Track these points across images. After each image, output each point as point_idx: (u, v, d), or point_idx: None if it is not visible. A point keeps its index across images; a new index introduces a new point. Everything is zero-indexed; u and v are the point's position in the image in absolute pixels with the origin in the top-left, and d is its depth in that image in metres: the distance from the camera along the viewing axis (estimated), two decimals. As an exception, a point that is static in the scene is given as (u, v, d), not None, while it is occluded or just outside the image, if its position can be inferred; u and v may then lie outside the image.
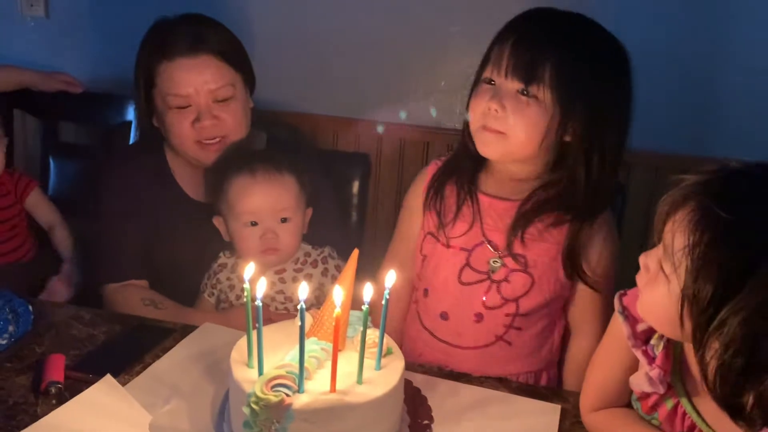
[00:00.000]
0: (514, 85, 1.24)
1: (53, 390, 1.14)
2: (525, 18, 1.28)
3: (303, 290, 0.98)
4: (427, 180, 1.42)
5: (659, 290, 0.91)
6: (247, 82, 1.65)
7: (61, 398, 1.13)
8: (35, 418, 1.08)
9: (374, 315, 1.02)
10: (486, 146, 1.30)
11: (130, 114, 2.11)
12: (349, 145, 2.08)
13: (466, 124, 1.34)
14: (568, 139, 1.26)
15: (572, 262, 1.31)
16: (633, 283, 1.23)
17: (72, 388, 1.15)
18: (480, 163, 1.37)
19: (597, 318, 1.37)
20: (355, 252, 1.10)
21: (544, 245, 1.32)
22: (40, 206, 1.94)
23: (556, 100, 1.23)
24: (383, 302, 1.02)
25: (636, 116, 1.83)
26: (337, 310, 0.96)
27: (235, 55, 1.62)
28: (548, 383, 1.41)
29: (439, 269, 1.38)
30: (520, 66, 1.23)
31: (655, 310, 0.94)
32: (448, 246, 1.37)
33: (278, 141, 1.77)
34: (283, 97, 2.07)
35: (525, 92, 1.24)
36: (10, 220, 1.87)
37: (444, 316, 1.38)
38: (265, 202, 1.53)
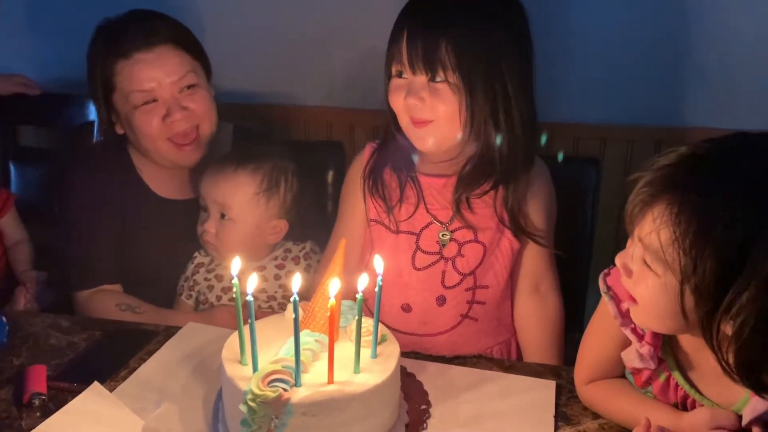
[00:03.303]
0: (422, 77, 1.25)
1: (37, 402, 1.10)
2: (414, 3, 1.27)
3: (296, 282, 0.96)
4: (363, 166, 1.41)
5: (651, 288, 0.90)
6: (205, 70, 1.61)
7: (46, 410, 1.09)
8: (21, 432, 1.05)
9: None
10: (421, 141, 1.30)
11: (92, 114, 2.03)
12: (320, 135, 2.05)
13: (393, 114, 1.33)
14: (479, 110, 1.26)
15: (514, 219, 1.32)
16: (606, 257, 1.26)
17: (56, 399, 1.11)
18: (413, 145, 1.37)
19: (551, 274, 1.40)
20: (343, 242, 1.09)
21: (488, 210, 1.33)
22: (12, 223, 1.84)
23: (462, 79, 1.23)
24: (376, 289, 1.01)
25: (608, 91, 1.88)
26: (332, 301, 0.94)
27: (190, 42, 1.58)
28: (518, 352, 1.42)
29: (391, 260, 1.33)
30: (422, 59, 1.23)
31: (654, 309, 0.91)
32: (397, 231, 1.36)
33: (244, 131, 1.74)
34: (250, 88, 2.04)
35: (434, 80, 1.24)
36: None
37: (406, 308, 1.37)
38: (209, 191, 1.52)
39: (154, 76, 1.51)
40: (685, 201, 0.84)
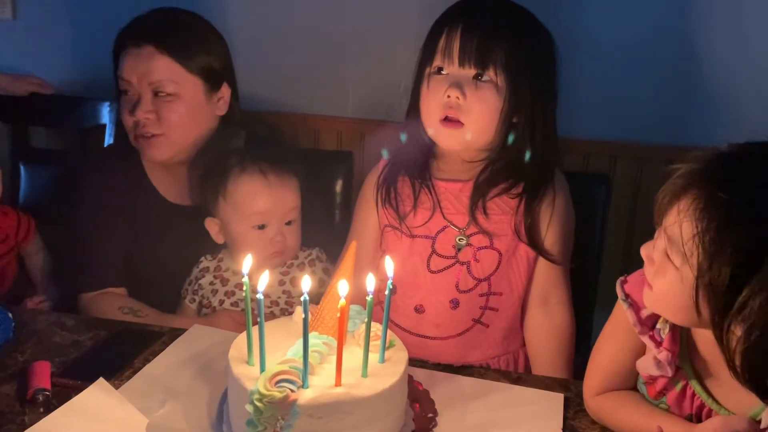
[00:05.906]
0: (469, 71, 1.28)
1: (40, 398, 1.09)
2: (465, 7, 1.32)
3: (306, 283, 0.96)
4: (377, 176, 1.43)
5: (669, 279, 0.91)
6: (209, 88, 1.58)
7: (49, 406, 1.08)
8: (23, 427, 1.04)
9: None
10: (449, 139, 1.32)
11: (104, 117, 2.05)
12: (331, 144, 2.05)
13: (412, 117, 1.35)
14: (515, 120, 1.30)
15: (528, 231, 1.33)
16: (615, 271, 1.28)
17: (60, 395, 1.11)
18: (429, 150, 1.39)
19: (562, 288, 1.39)
20: (354, 244, 1.08)
21: (506, 218, 1.34)
22: (34, 249, 1.81)
23: (508, 82, 1.27)
24: (386, 292, 1.00)
25: (619, 108, 1.88)
26: (342, 301, 0.94)
27: (190, 56, 1.55)
28: (525, 363, 1.42)
29: (406, 262, 1.36)
30: (475, 52, 1.26)
31: (669, 300, 0.92)
32: (411, 236, 1.37)
33: (257, 138, 1.74)
34: (262, 96, 2.04)
35: (479, 77, 1.27)
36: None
37: (419, 309, 1.37)
38: (276, 205, 1.50)
39: (134, 69, 1.53)
40: (712, 197, 0.84)
